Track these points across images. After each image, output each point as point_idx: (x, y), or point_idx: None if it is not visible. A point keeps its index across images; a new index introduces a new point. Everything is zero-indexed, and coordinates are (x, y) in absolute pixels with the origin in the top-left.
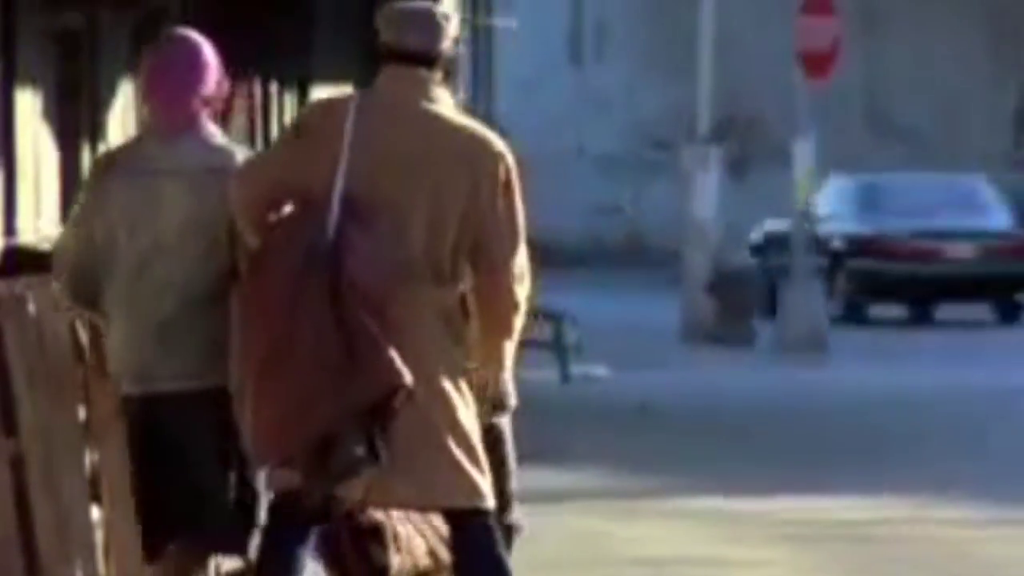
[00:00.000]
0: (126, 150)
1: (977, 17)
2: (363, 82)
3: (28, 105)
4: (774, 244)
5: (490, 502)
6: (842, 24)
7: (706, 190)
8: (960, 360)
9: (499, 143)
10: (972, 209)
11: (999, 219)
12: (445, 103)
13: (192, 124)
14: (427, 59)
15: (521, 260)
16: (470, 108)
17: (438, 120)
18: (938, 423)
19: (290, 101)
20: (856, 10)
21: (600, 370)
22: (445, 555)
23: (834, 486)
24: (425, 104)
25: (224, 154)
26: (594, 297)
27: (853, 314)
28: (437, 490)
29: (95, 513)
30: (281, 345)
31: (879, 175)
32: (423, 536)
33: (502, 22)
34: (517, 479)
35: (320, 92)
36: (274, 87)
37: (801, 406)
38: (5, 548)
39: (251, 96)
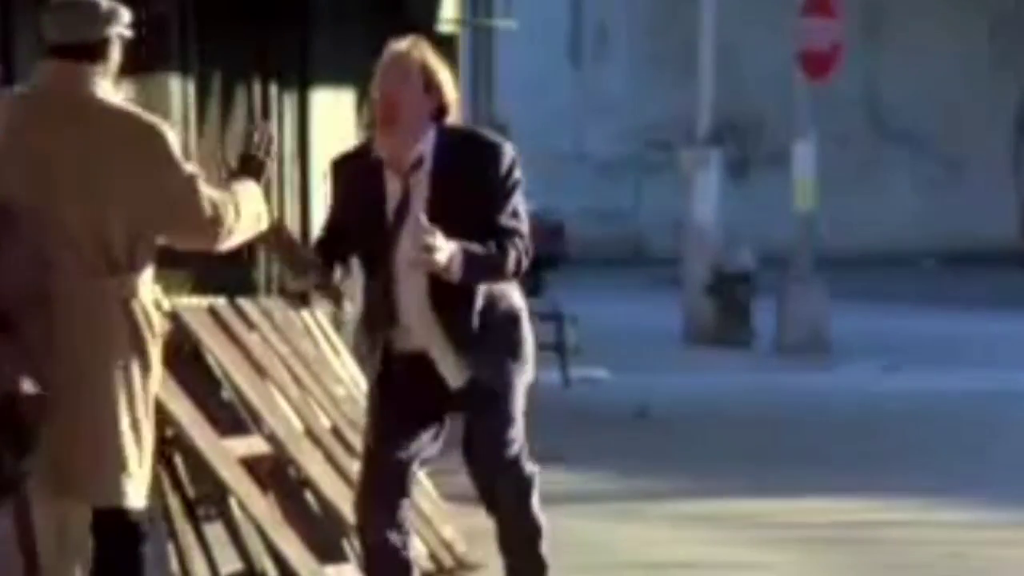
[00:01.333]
0: None
1: (978, 20)
2: (363, 82)
3: None
4: None
5: (134, 503)
6: (843, 27)
7: (706, 192)
8: (962, 361)
9: (161, 124)
10: None
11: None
12: (107, 93)
13: None
14: (85, 51)
15: (230, 212)
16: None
17: (98, 111)
18: (940, 425)
19: (290, 103)
20: (857, 13)
21: (600, 373)
22: (448, 559)
23: (834, 488)
24: (83, 97)
25: None
26: (594, 299)
27: None
28: (77, 488)
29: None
30: None
31: None
32: (424, 540)
33: (502, 23)
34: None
35: (320, 93)
36: (274, 89)
37: (802, 408)
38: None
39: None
